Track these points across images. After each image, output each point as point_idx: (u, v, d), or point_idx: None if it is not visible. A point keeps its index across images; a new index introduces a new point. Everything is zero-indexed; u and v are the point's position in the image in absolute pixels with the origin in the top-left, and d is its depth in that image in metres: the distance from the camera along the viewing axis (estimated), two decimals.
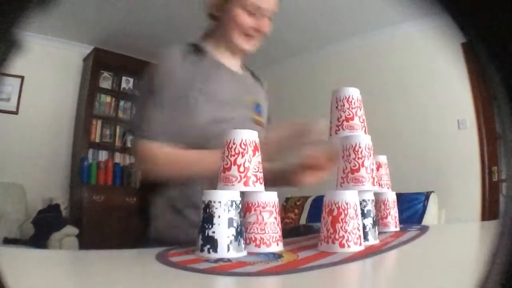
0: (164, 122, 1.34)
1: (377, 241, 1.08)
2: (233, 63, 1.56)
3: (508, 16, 0.25)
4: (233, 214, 0.92)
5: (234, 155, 1.01)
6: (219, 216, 0.90)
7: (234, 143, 1.02)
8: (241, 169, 1.01)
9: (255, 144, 1.04)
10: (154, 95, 1.37)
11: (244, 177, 1.00)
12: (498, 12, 0.25)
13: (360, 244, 0.95)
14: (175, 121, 1.34)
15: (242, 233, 0.93)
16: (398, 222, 1.46)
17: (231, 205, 0.92)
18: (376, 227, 1.13)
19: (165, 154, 1.33)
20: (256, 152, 1.04)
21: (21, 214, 4.82)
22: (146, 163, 1.37)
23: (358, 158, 1.08)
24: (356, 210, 0.97)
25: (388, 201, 1.46)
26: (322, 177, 1.29)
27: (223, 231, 0.90)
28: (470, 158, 4.36)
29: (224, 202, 0.91)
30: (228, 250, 0.89)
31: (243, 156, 1.01)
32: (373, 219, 1.10)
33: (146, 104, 1.37)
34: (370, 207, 1.12)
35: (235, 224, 0.91)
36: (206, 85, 1.41)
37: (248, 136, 1.03)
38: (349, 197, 0.97)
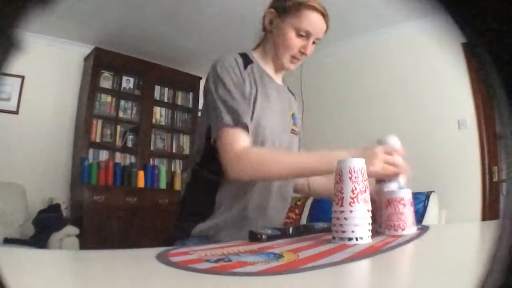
0: (248, 113, 1.44)
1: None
2: (276, 76, 1.68)
3: (508, 16, 0.25)
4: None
5: None
6: None
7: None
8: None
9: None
10: (233, 89, 1.45)
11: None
12: (498, 12, 0.25)
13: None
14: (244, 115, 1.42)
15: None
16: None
17: None
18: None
19: (274, 156, 1.44)
20: None
21: (21, 214, 4.82)
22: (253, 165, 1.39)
23: None
24: (359, 175, 1.13)
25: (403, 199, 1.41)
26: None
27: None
28: (470, 158, 4.36)
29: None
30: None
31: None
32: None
33: (227, 98, 1.43)
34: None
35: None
36: (260, 91, 1.52)
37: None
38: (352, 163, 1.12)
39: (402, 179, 1.36)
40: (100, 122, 5.99)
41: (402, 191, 1.30)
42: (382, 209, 1.29)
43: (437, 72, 4.62)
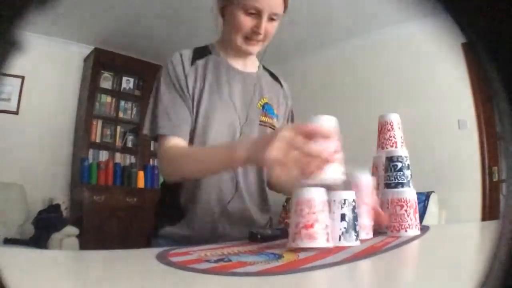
0: (186, 119, 1.41)
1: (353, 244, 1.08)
2: (240, 63, 1.58)
3: (508, 16, 0.25)
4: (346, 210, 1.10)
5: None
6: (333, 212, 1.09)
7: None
8: None
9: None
10: (165, 94, 1.42)
11: None
12: (498, 12, 0.25)
13: (316, 241, 0.96)
14: (185, 118, 1.41)
15: (354, 226, 1.09)
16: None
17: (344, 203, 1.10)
18: (353, 231, 1.11)
19: (186, 152, 1.39)
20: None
21: (21, 214, 4.82)
22: (169, 163, 1.39)
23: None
24: (304, 207, 0.98)
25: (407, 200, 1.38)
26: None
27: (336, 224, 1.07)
28: (470, 158, 4.36)
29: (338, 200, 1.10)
30: (340, 239, 1.07)
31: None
32: (348, 222, 1.09)
33: (159, 103, 1.41)
34: (345, 210, 1.11)
35: (347, 219, 1.09)
36: (210, 85, 1.46)
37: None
38: (304, 194, 1.00)
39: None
40: (100, 122, 5.99)
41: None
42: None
43: (437, 72, 4.62)
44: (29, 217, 4.81)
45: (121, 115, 6.23)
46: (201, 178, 1.41)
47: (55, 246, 4.27)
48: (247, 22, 1.40)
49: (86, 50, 5.96)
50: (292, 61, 6.07)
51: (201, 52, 1.54)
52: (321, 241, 0.96)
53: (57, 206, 5.09)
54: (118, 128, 6.21)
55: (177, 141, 1.38)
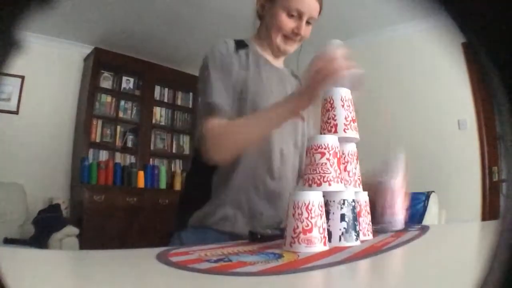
0: (227, 97, 1.44)
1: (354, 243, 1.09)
2: (273, 59, 1.66)
3: (508, 16, 0.25)
4: (345, 211, 1.09)
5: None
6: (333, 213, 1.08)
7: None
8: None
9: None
10: (215, 78, 1.45)
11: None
12: (498, 12, 0.25)
13: (313, 245, 0.97)
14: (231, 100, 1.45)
15: (354, 226, 1.09)
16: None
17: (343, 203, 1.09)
18: (353, 231, 1.13)
19: (243, 119, 1.43)
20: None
21: (21, 214, 4.82)
22: (228, 134, 1.39)
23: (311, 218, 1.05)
24: (310, 210, 0.99)
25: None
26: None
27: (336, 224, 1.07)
28: (470, 158, 4.36)
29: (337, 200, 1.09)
30: (340, 240, 1.06)
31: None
32: (348, 223, 1.10)
33: (211, 79, 1.45)
34: (345, 210, 1.11)
35: (346, 219, 1.08)
36: (251, 76, 1.52)
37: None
38: (300, 197, 1.00)
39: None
40: (100, 122, 5.99)
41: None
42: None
43: (437, 72, 4.63)
44: (29, 217, 4.82)
45: (121, 115, 6.23)
46: (261, 138, 1.44)
47: (55, 246, 4.27)
48: (288, 23, 1.50)
49: (86, 50, 5.97)
50: (292, 61, 6.07)
51: (241, 44, 1.59)
52: (318, 246, 0.97)
53: (57, 206, 5.09)
54: (118, 128, 6.21)
55: (219, 115, 1.40)
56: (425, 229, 1.45)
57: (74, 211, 5.42)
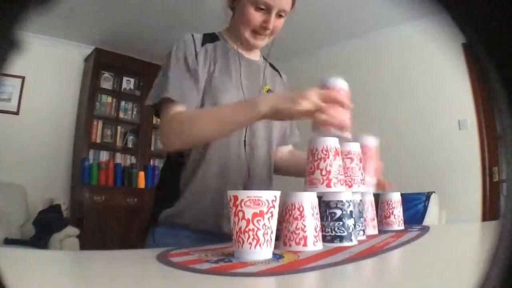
0: (193, 88, 1.42)
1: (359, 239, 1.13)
2: (244, 50, 1.62)
3: (508, 16, 0.25)
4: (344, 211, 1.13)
5: (317, 160, 1.16)
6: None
7: (316, 150, 1.17)
8: (323, 172, 1.14)
9: (336, 149, 1.18)
10: (175, 67, 1.43)
11: (326, 180, 1.13)
12: (498, 12, 0.25)
13: (305, 245, 1.00)
14: (193, 91, 1.42)
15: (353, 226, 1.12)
16: (402, 221, 1.49)
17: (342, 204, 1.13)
18: (360, 228, 1.17)
19: (199, 111, 1.41)
20: (337, 156, 1.17)
21: (22, 215, 4.82)
22: (179, 126, 1.34)
23: (314, 161, 1.15)
24: (302, 211, 1.01)
25: (391, 201, 1.49)
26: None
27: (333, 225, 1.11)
28: (470, 158, 4.36)
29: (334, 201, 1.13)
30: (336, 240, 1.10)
31: (324, 160, 1.15)
32: (355, 220, 1.13)
33: (168, 73, 1.41)
34: (352, 208, 1.13)
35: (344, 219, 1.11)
36: (219, 67, 1.51)
37: (329, 143, 1.17)
38: (293, 199, 1.03)
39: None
40: (100, 122, 5.99)
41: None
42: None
43: (437, 73, 4.63)
44: (30, 217, 4.82)
45: (121, 115, 6.23)
46: (214, 138, 1.40)
47: (55, 247, 4.28)
48: (256, 17, 1.45)
49: (87, 50, 5.97)
50: (292, 61, 6.07)
51: (210, 37, 1.57)
52: (311, 245, 1.00)
53: (58, 206, 5.09)
54: (119, 128, 6.22)
55: (184, 110, 1.37)
56: (425, 229, 1.46)
57: (74, 212, 5.42)
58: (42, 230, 4.47)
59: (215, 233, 1.39)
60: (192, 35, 1.51)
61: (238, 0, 1.50)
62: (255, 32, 1.50)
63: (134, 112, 6.37)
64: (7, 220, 4.63)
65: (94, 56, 5.82)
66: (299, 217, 1.01)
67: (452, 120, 4.56)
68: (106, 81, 6.11)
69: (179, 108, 1.36)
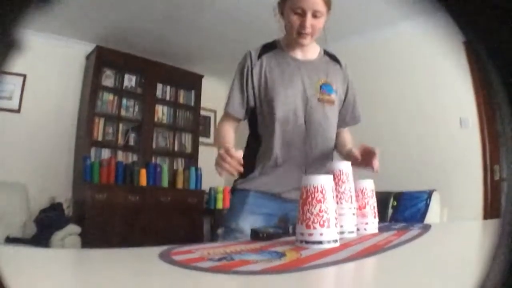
0: (240, 102, 1.90)
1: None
2: (300, 54, 1.94)
3: (508, 16, 0.25)
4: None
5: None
6: None
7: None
8: None
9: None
10: (234, 83, 1.93)
11: None
12: (498, 12, 0.25)
13: (328, 226, 1.04)
14: (241, 101, 1.90)
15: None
16: (376, 213, 1.46)
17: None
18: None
19: (219, 129, 1.97)
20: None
21: (23, 213, 4.82)
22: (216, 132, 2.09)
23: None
24: (324, 194, 1.06)
25: (366, 189, 1.47)
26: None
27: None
28: (472, 156, 4.35)
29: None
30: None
31: None
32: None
33: (230, 89, 1.94)
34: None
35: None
36: (274, 72, 1.88)
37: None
38: (315, 181, 1.07)
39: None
40: (102, 120, 5.99)
41: None
42: None
43: (438, 71, 4.62)
44: (31, 215, 4.82)
45: (123, 113, 6.22)
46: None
47: (57, 245, 4.28)
48: (295, 20, 1.76)
49: (88, 48, 5.96)
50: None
51: (268, 47, 1.94)
52: (333, 227, 1.06)
53: (59, 204, 5.10)
54: (120, 126, 6.21)
55: (230, 118, 1.94)
56: (427, 227, 1.46)
57: (76, 210, 5.42)
58: (43, 229, 4.47)
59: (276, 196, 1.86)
60: (250, 52, 1.91)
61: (284, 9, 1.81)
62: (299, 33, 1.79)
63: (136, 110, 6.37)
64: (9, 218, 4.63)
65: (95, 53, 5.81)
66: (322, 199, 1.05)
67: (453, 118, 4.55)
68: (108, 79, 6.11)
69: (226, 117, 1.95)
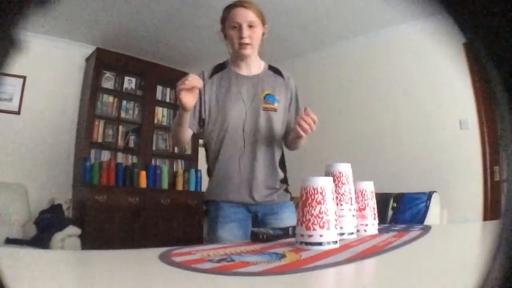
0: (192, 115, 2.01)
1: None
2: (245, 70, 2.14)
3: (508, 16, 0.25)
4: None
5: None
6: None
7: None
8: None
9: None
10: None
11: None
12: (498, 12, 0.25)
13: (328, 228, 1.04)
14: (196, 115, 2.06)
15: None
16: (376, 215, 1.47)
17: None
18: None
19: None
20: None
21: (23, 215, 4.82)
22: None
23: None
24: (324, 196, 1.06)
25: (366, 191, 1.47)
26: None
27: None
28: (472, 158, 4.35)
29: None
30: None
31: None
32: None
33: None
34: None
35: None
36: (223, 90, 2.08)
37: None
38: (315, 183, 1.07)
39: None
40: (102, 122, 5.99)
41: None
42: None
43: (438, 72, 4.62)
44: (31, 217, 4.82)
45: (123, 115, 6.22)
46: (179, 130, 2.00)
47: (57, 246, 4.27)
48: (234, 34, 2.00)
49: (88, 50, 5.96)
50: (292, 61, 6.07)
51: (218, 68, 2.16)
52: (333, 228, 1.06)
53: (59, 206, 5.09)
54: (120, 128, 6.20)
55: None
56: (427, 229, 1.46)
57: (76, 211, 5.41)
58: (43, 230, 4.47)
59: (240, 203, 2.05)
60: (203, 72, 2.11)
61: (225, 31, 2.05)
62: (240, 44, 2.00)
63: (136, 112, 6.37)
64: (9, 219, 4.63)
65: (95, 55, 5.81)
66: (322, 201, 1.05)
67: (453, 120, 4.56)
68: (108, 81, 6.11)
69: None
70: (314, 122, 1.83)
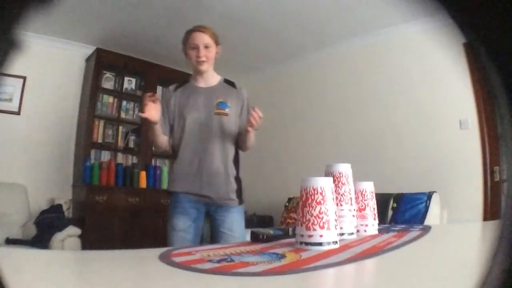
0: (162, 123, 2.49)
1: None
2: (203, 83, 2.57)
3: (508, 16, 0.25)
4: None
5: None
6: None
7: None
8: None
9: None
10: (161, 109, 2.44)
11: None
12: (498, 12, 0.25)
13: (328, 228, 1.04)
14: (165, 123, 2.53)
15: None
16: (376, 215, 1.47)
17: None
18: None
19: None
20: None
21: (23, 215, 4.82)
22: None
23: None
24: (324, 196, 1.06)
25: (365, 191, 1.47)
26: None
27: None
28: (472, 158, 4.35)
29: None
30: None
31: None
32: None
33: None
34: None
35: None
36: (185, 100, 2.51)
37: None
38: (315, 183, 1.07)
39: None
40: (102, 122, 5.98)
41: None
42: None
43: (438, 72, 4.62)
44: (31, 217, 4.81)
45: (123, 115, 6.22)
46: (153, 138, 2.49)
47: (57, 247, 4.27)
48: (193, 53, 2.47)
49: (88, 50, 5.96)
50: (292, 61, 6.07)
51: (181, 83, 2.62)
52: (333, 228, 1.06)
53: (59, 206, 5.09)
54: (120, 128, 6.20)
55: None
56: (427, 229, 1.46)
57: (76, 212, 5.41)
58: (43, 230, 4.46)
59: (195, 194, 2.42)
60: (169, 88, 2.60)
61: (186, 49, 2.51)
62: (197, 62, 2.46)
63: (136, 112, 6.36)
64: (8, 220, 4.63)
65: (95, 56, 5.81)
66: (322, 201, 1.05)
67: (453, 120, 4.55)
68: (108, 81, 6.10)
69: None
70: (259, 118, 2.25)
